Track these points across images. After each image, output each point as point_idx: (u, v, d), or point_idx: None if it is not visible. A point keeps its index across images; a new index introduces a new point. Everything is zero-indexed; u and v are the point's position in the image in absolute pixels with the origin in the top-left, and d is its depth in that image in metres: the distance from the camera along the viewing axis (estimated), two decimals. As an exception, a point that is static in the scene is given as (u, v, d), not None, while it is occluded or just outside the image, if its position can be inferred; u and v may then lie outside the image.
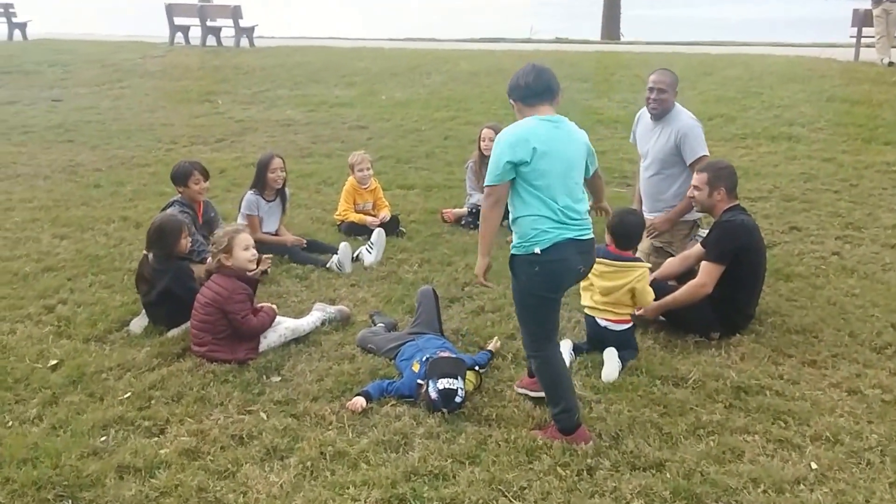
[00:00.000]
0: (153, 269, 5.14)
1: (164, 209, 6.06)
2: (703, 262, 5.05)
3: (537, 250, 3.79)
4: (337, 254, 6.37)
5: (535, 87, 3.92)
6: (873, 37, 15.73)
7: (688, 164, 6.00)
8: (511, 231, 3.99)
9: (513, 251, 3.94)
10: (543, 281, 3.86)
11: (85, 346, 5.02)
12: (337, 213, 7.49)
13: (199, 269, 5.41)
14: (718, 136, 11.17)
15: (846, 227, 7.40)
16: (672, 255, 5.94)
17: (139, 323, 5.32)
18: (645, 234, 6.30)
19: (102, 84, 16.38)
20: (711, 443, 3.87)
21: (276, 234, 6.85)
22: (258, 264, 5.11)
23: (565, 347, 4.69)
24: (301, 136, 11.86)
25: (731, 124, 11.79)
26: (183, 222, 5.36)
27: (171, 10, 21.56)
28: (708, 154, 5.99)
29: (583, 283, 4.75)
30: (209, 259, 5.01)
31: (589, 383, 4.51)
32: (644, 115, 6.39)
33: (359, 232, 7.17)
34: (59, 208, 8.16)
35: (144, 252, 5.28)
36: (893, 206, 7.94)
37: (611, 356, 4.68)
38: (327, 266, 6.33)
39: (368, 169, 7.37)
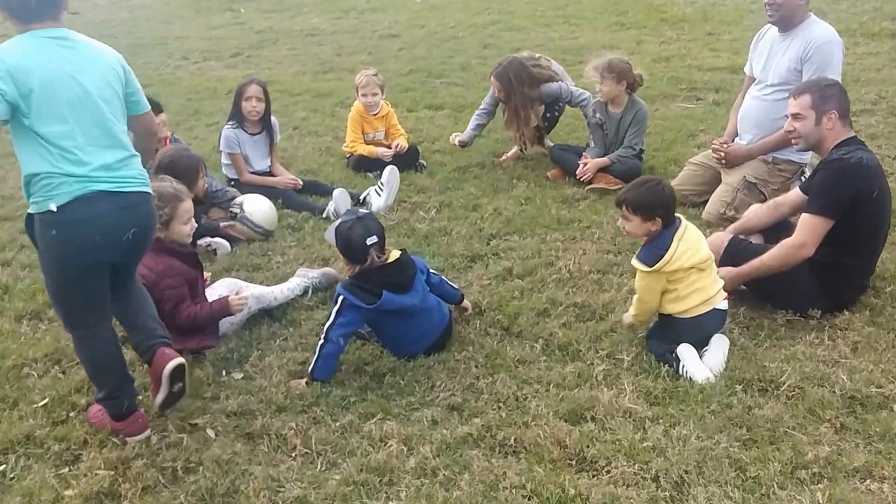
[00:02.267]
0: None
1: None
2: (804, 215, 3.75)
3: (53, 207, 2.89)
4: (333, 195, 5.28)
5: None
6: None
7: None
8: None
9: (29, 211, 3.04)
10: (65, 245, 2.95)
11: (13, 327, 4.06)
12: (345, 144, 6.33)
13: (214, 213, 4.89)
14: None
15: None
16: (766, 198, 4.71)
17: None
18: (721, 164, 5.14)
19: (121, -7, 15.28)
20: (819, 496, 2.71)
21: (270, 174, 5.75)
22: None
23: (693, 359, 3.48)
24: (325, 49, 10.63)
25: (821, 19, 10.12)
26: (200, 159, 4.35)
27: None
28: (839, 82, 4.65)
29: (665, 296, 3.55)
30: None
31: (643, 388, 3.35)
32: (765, 32, 5.11)
33: (369, 167, 6.03)
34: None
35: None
36: None
37: (721, 341, 3.58)
38: (323, 215, 5.23)
39: (375, 94, 6.10)
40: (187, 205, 3.77)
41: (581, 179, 5.58)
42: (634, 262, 3.56)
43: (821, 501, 2.67)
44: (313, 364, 3.50)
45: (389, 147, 6.11)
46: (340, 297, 3.53)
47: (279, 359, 3.67)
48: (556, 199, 5.42)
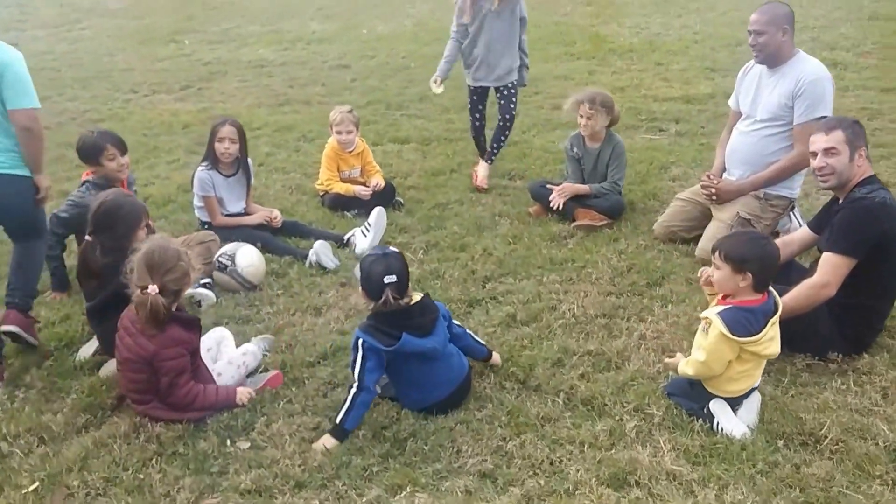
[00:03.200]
0: (102, 261, 3.78)
1: (78, 198, 4.67)
2: (827, 254, 3.67)
3: None
4: (313, 247, 5.03)
5: None
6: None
7: (795, 124, 4.72)
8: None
9: None
10: None
11: (-17, 398, 3.70)
12: (318, 181, 6.08)
13: None
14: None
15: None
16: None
17: (85, 350, 4.06)
18: (710, 200, 5.12)
19: (61, 25, 14.77)
20: (889, 561, 2.60)
21: (245, 214, 5.48)
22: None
23: (729, 416, 3.35)
24: (276, 80, 10.34)
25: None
26: (144, 207, 4.02)
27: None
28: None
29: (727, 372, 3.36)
30: (150, 286, 3.34)
31: (681, 445, 3.21)
32: (751, 67, 5.07)
33: (346, 205, 5.81)
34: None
35: (87, 238, 3.89)
36: None
37: (753, 394, 3.44)
38: (306, 264, 4.98)
39: (350, 132, 5.89)
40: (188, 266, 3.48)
41: (551, 202, 5.47)
42: (715, 320, 3.29)
43: (893, 567, 2.56)
44: (345, 414, 3.27)
45: (365, 184, 5.89)
46: (360, 341, 3.33)
47: (288, 425, 3.40)
48: (543, 237, 5.28)
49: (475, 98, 6.45)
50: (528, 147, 7.18)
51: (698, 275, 3.69)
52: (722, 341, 3.26)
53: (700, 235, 5.05)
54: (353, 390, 3.30)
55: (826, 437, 3.21)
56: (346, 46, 12.15)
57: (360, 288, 3.49)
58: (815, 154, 3.83)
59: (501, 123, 6.38)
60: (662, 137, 7.46)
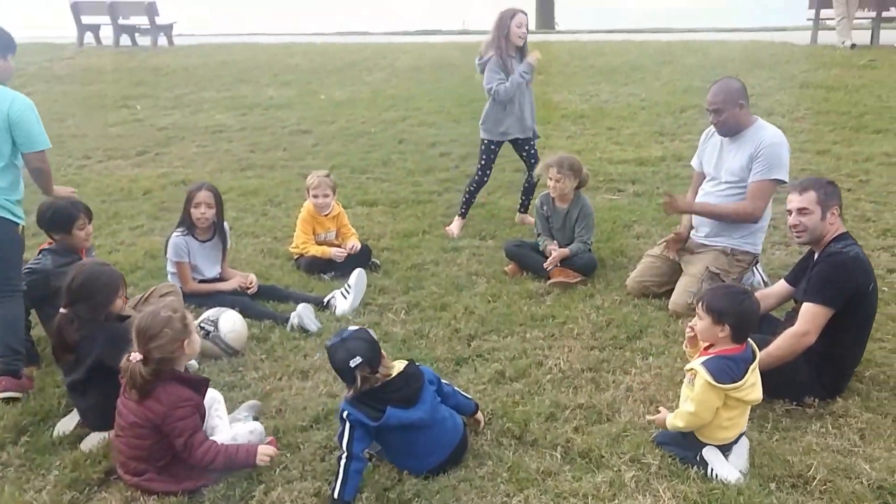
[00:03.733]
0: (79, 334, 3.73)
1: (35, 264, 4.62)
2: (807, 305, 3.86)
3: None
4: (296, 310, 5.02)
5: None
6: (833, 19, 14.98)
7: (749, 181, 5.01)
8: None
9: None
10: None
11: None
12: (293, 245, 6.11)
13: None
14: (697, 129, 10.10)
15: (884, 235, 6.36)
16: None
17: (64, 425, 3.92)
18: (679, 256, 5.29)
19: (4, 91, 14.53)
20: None
21: (220, 279, 5.47)
22: None
23: (721, 461, 3.45)
24: (237, 145, 10.38)
25: (705, 118, 10.69)
26: (121, 275, 3.98)
27: (77, 8, 19.43)
28: (786, 181, 4.98)
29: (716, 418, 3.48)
30: (133, 353, 3.37)
31: (680, 493, 3.27)
32: (713, 132, 5.34)
33: (322, 268, 5.84)
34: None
35: (62, 310, 3.83)
36: None
37: (742, 440, 3.54)
38: (287, 328, 4.97)
39: (327, 196, 5.99)
40: (188, 318, 3.48)
41: (546, 266, 5.61)
42: (700, 370, 3.42)
43: None
44: (340, 486, 3.24)
45: (340, 247, 5.94)
46: (345, 413, 3.33)
47: (288, 492, 3.35)
48: (521, 294, 5.38)
49: (495, 153, 6.72)
50: (496, 208, 7.33)
51: (686, 329, 3.81)
52: (708, 390, 3.38)
53: (671, 290, 5.21)
54: (344, 461, 3.28)
55: (814, 477, 3.33)
56: (305, 112, 12.28)
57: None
58: (790, 212, 4.05)
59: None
60: (622, 198, 7.69)
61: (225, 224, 5.52)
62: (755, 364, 3.49)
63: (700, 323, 3.57)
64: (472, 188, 6.80)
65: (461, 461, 3.55)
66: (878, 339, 4.55)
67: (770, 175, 4.97)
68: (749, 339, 3.56)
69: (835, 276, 3.84)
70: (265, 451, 3.43)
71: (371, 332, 3.49)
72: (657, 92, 12.33)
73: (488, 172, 6.76)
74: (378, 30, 23.57)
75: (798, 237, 4.09)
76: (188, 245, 5.28)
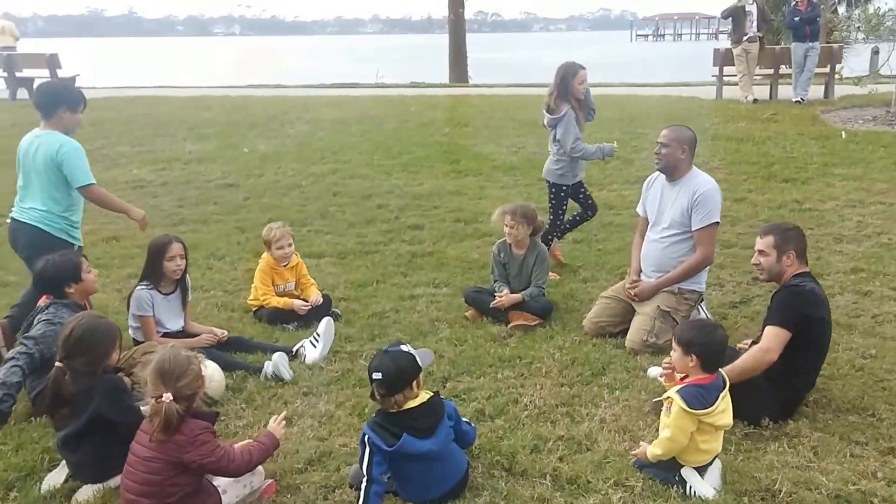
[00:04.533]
0: (76, 388, 3.75)
1: (34, 316, 4.63)
2: (768, 328, 4.31)
3: None
4: (270, 360, 5.10)
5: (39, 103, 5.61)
6: (735, 76, 16.08)
7: (694, 229, 5.46)
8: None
9: None
10: None
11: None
12: (251, 297, 6.18)
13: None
14: (622, 179, 10.69)
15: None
16: (677, 323, 5.17)
17: (53, 479, 3.89)
18: (632, 298, 5.68)
19: None
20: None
21: (184, 332, 5.48)
22: None
23: (699, 480, 3.76)
24: (163, 200, 10.31)
25: (630, 167, 11.33)
26: (118, 328, 4.03)
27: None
28: (719, 222, 5.55)
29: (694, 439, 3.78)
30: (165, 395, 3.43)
31: (672, 512, 3.53)
32: (656, 179, 5.79)
33: (285, 319, 5.92)
34: None
35: (58, 365, 3.83)
36: (835, 248, 7.57)
37: (715, 461, 3.84)
38: (261, 377, 5.03)
39: (290, 245, 6.13)
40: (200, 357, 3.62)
41: (494, 306, 5.88)
42: (675, 397, 3.73)
43: None
44: None
45: (300, 297, 6.05)
46: (366, 437, 3.52)
47: (299, 530, 3.46)
48: (486, 338, 5.60)
49: (568, 195, 7.23)
50: (444, 256, 7.55)
51: (663, 364, 4.14)
52: (683, 416, 3.70)
53: (626, 329, 5.54)
54: (364, 485, 3.45)
55: (780, 490, 3.68)
56: (229, 165, 12.28)
57: None
58: (755, 251, 4.57)
59: (592, 213, 7.38)
60: (564, 244, 8.01)
61: (187, 276, 5.56)
62: (725, 391, 3.83)
63: (674, 354, 3.92)
64: (560, 224, 7.31)
65: (460, 495, 3.70)
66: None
67: (711, 220, 5.43)
68: (721, 370, 3.88)
69: (790, 302, 4.33)
70: (279, 427, 3.79)
71: (418, 359, 3.69)
72: (582, 143, 12.89)
73: (564, 210, 7.29)
74: (293, 83, 23.74)
75: (760, 274, 4.62)
76: (153, 298, 5.29)
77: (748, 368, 4.21)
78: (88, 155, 5.63)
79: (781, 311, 4.30)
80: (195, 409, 3.51)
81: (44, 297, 4.79)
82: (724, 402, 3.80)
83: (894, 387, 4.70)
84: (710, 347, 3.83)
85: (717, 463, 3.86)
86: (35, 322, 4.54)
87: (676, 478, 3.75)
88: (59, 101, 5.56)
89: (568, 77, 6.86)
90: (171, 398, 3.37)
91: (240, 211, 9.68)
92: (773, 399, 4.30)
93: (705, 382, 3.80)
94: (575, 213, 7.49)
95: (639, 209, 5.97)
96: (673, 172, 5.56)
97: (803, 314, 4.27)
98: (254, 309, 6.13)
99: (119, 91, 20.98)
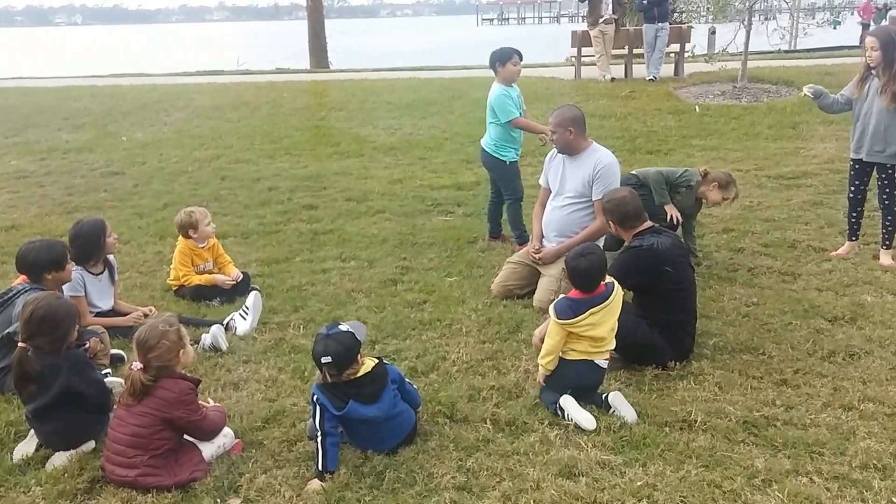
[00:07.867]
0: (42, 364, 3.87)
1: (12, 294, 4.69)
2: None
3: None
4: (210, 331, 5.29)
5: None
6: (593, 56, 16.99)
7: (594, 199, 5.97)
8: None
9: None
10: None
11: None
12: (171, 278, 6.29)
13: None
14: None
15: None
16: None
17: (24, 449, 4.00)
18: (537, 263, 6.15)
19: None
20: (779, 494, 3.56)
21: (113, 311, 5.57)
22: None
23: (575, 407, 4.26)
24: (51, 189, 10.08)
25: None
26: (75, 307, 4.19)
27: None
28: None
29: (567, 342, 4.40)
30: (134, 363, 3.73)
31: (603, 443, 4.02)
32: (556, 153, 6.29)
33: (208, 296, 6.09)
34: None
35: (21, 345, 3.93)
36: (705, 212, 8.14)
37: (619, 397, 4.33)
38: (197, 348, 5.19)
39: (213, 225, 6.38)
40: (182, 331, 3.82)
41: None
42: (550, 309, 4.42)
43: (782, 498, 3.54)
44: (321, 459, 3.69)
45: (227, 276, 6.26)
46: (315, 396, 3.79)
47: (271, 478, 3.73)
48: (403, 305, 5.95)
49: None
50: (344, 233, 7.81)
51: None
52: (554, 325, 4.39)
53: (532, 291, 6.03)
54: (319, 437, 3.74)
55: (696, 420, 4.21)
56: (110, 154, 12.04)
57: None
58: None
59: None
60: (454, 218, 8.44)
61: (112, 256, 5.64)
62: (598, 308, 4.38)
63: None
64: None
65: (412, 442, 4.06)
66: (709, 316, 5.56)
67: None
68: (605, 289, 4.46)
69: (624, 266, 4.95)
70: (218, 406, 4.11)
71: (357, 335, 3.90)
72: (455, 124, 13.36)
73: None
74: (157, 72, 23.12)
75: None
76: (84, 278, 5.36)
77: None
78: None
79: (617, 275, 4.73)
80: (180, 374, 3.73)
81: (22, 277, 4.86)
82: (595, 318, 4.37)
83: (778, 329, 5.37)
84: (575, 271, 4.44)
85: (620, 395, 4.35)
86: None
87: (557, 406, 4.28)
88: None
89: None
90: (141, 367, 3.58)
91: (132, 198, 9.60)
92: (665, 343, 4.84)
93: (576, 297, 4.43)
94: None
95: (541, 180, 6.47)
96: (571, 151, 6.09)
97: (640, 279, 4.91)
98: (174, 288, 6.24)
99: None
